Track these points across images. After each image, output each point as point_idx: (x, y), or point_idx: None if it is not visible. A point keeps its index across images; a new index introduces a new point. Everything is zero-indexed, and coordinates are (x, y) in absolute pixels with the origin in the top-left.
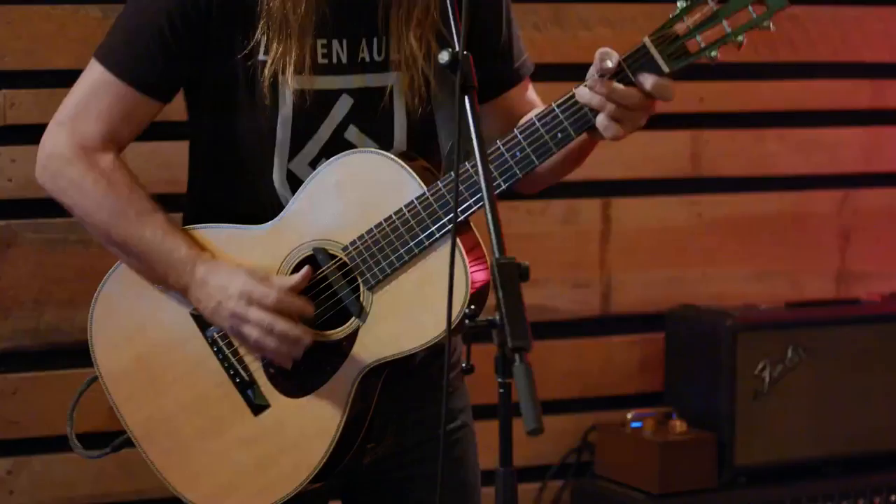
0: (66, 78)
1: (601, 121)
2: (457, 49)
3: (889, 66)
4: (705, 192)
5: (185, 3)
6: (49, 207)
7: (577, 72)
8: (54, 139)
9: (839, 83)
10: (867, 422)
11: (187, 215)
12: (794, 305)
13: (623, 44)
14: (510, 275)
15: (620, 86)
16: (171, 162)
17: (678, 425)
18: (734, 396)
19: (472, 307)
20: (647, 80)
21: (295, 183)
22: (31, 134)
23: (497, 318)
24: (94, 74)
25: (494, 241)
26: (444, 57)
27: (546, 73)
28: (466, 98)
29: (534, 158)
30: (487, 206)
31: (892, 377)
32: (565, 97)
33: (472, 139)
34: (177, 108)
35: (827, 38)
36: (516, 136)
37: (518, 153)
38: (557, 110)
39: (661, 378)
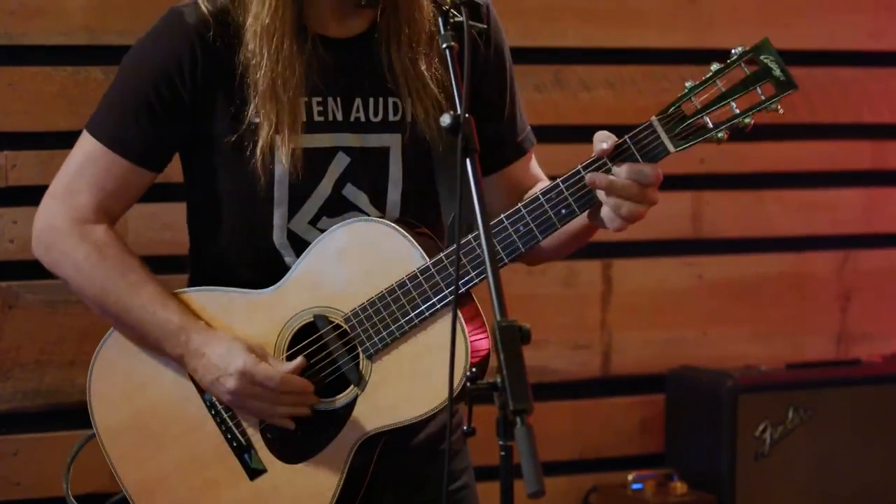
0: (68, 140)
1: (605, 213)
2: (458, 112)
3: (889, 127)
4: (706, 253)
5: (170, 73)
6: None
7: (576, 133)
8: (48, 212)
9: (839, 144)
10: (868, 482)
11: (191, 277)
12: (795, 367)
13: (623, 105)
14: (511, 338)
15: (620, 178)
16: (172, 224)
17: (679, 487)
18: (735, 458)
19: (474, 370)
20: (622, 170)
21: (295, 241)
22: (32, 195)
23: (498, 380)
24: (86, 146)
25: (496, 305)
26: (445, 120)
27: (546, 134)
28: (468, 161)
29: (537, 233)
30: (491, 278)
31: (894, 438)
32: (571, 173)
33: (473, 204)
34: (178, 171)
35: (827, 99)
36: (520, 211)
37: (521, 227)
38: (562, 186)
39: (662, 439)
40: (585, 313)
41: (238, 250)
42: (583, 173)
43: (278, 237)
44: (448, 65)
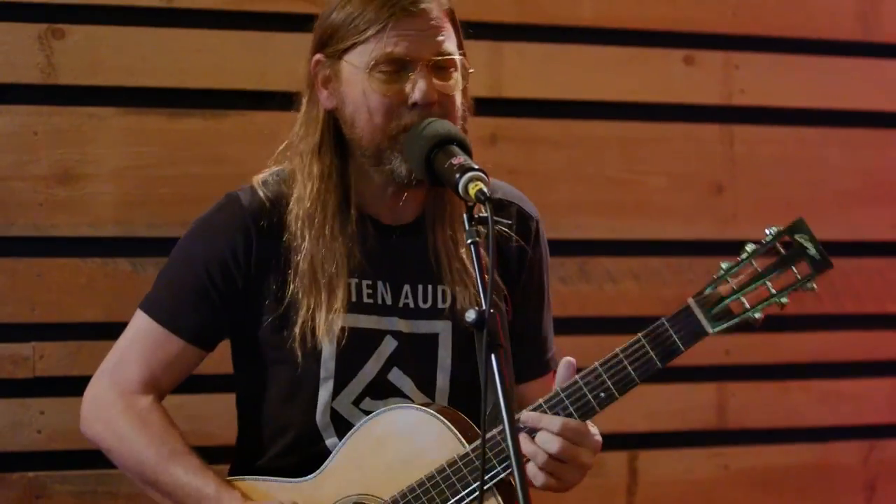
0: (96, 331)
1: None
2: (483, 307)
3: None
4: (731, 444)
5: (226, 260)
6: (78, 459)
7: (602, 325)
8: (96, 387)
9: (863, 334)
10: None
11: (233, 465)
12: None
13: (649, 297)
14: None
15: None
16: (198, 415)
17: None
18: None
19: None
20: (555, 423)
21: (338, 421)
22: (60, 386)
23: None
24: (138, 323)
25: (521, 499)
26: (471, 315)
27: (572, 326)
28: (493, 357)
29: (576, 418)
30: (516, 472)
31: None
32: (610, 357)
33: (498, 400)
34: (206, 363)
35: (851, 289)
36: (559, 395)
37: (560, 412)
38: (601, 369)
39: None
40: None
41: (281, 432)
42: (620, 356)
43: (321, 417)
44: (492, 256)
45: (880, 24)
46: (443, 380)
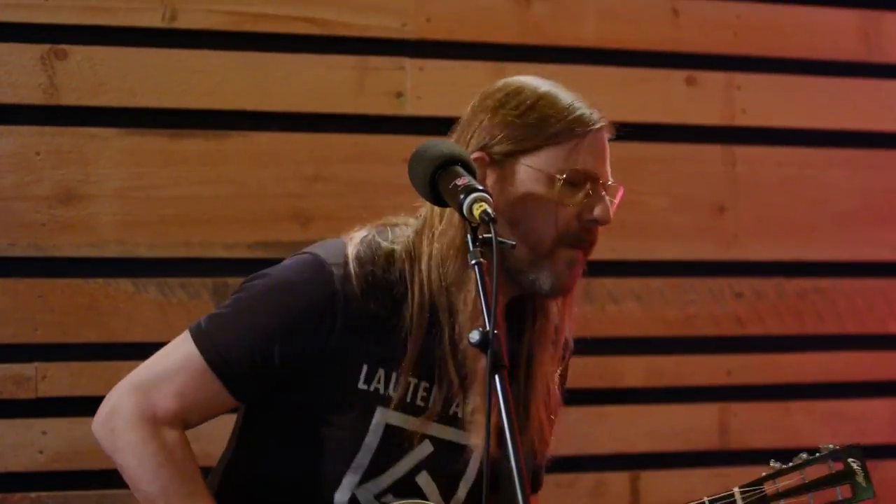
0: (98, 351)
1: None
2: (487, 328)
3: None
4: (733, 464)
5: (302, 329)
6: (80, 480)
7: (604, 346)
8: (124, 399)
9: (865, 355)
10: None
11: (219, 494)
12: None
13: (651, 318)
14: None
15: None
16: (200, 436)
17: None
18: None
19: None
20: None
21: None
22: (62, 407)
23: None
24: (187, 352)
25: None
26: (474, 336)
27: (574, 347)
28: (497, 379)
29: None
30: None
31: None
32: None
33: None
34: None
35: (853, 310)
36: None
37: None
38: None
39: None
40: None
41: (295, 491)
42: None
43: (341, 496)
44: (495, 277)
45: (882, 44)
46: (463, 490)
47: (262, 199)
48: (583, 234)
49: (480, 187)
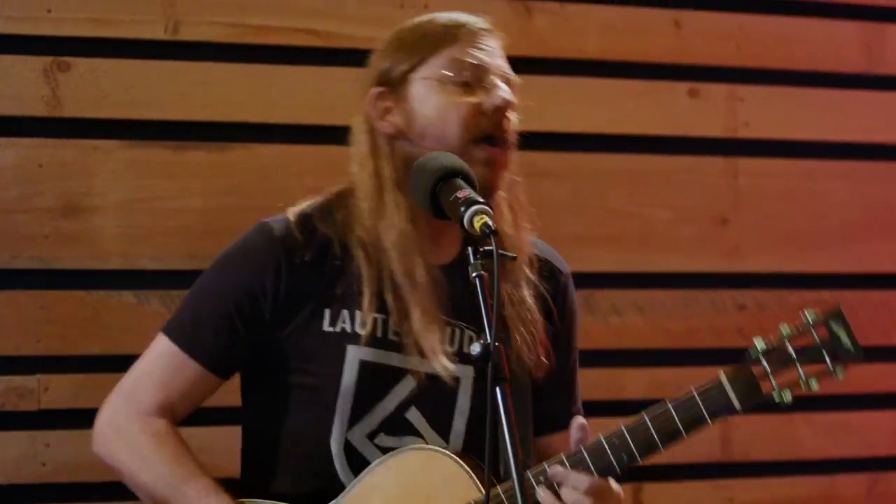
0: (101, 364)
1: None
2: (488, 340)
3: None
4: (736, 476)
5: (255, 291)
6: (83, 492)
7: (607, 357)
8: (112, 408)
9: (868, 367)
10: None
11: (241, 485)
12: None
13: (653, 329)
14: None
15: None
16: (206, 448)
17: None
18: None
19: None
20: (582, 482)
21: (351, 454)
22: (65, 419)
23: None
24: (159, 346)
25: None
26: (475, 348)
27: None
28: (499, 391)
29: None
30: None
31: None
32: (636, 420)
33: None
34: (214, 394)
35: (855, 322)
36: (581, 453)
37: (582, 469)
38: (625, 431)
39: None
40: None
41: (295, 458)
42: (647, 421)
43: (335, 446)
44: (496, 289)
45: (885, 56)
46: (460, 423)
47: (266, 211)
48: (490, 126)
49: (481, 200)
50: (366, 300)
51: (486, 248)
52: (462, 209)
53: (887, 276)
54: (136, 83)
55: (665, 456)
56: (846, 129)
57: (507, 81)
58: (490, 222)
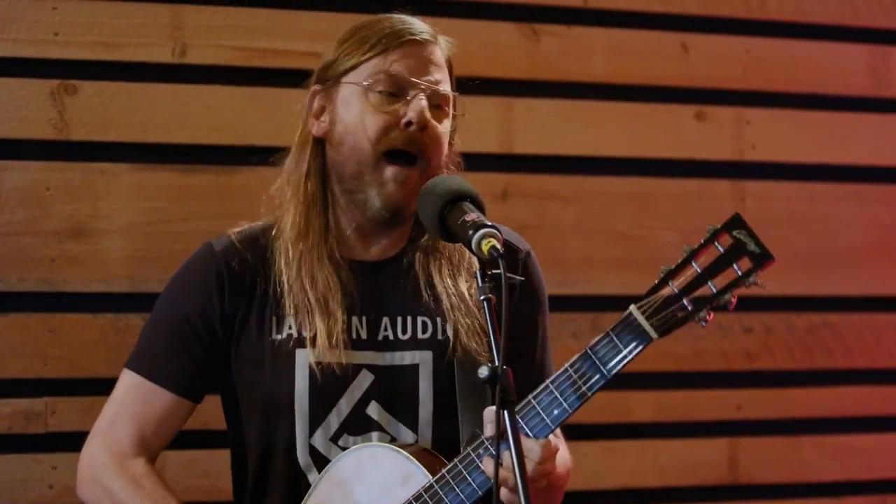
0: (108, 386)
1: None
2: (496, 364)
3: None
4: (743, 499)
5: (202, 305)
6: None
7: (614, 380)
8: (90, 451)
9: (875, 389)
10: None
11: None
12: None
13: (658, 352)
14: None
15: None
16: (209, 471)
17: None
18: None
19: None
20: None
21: (318, 459)
22: (72, 441)
23: None
24: (125, 381)
25: None
26: (483, 372)
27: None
28: (506, 412)
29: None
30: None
31: None
32: (560, 373)
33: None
34: (216, 417)
35: (862, 345)
36: (530, 402)
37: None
38: (552, 386)
39: None
40: None
41: (269, 474)
42: (569, 371)
43: (302, 456)
44: (504, 313)
45: (891, 79)
46: (425, 411)
47: None
48: (401, 141)
49: (489, 223)
50: (310, 305)
51: (494, 272)
52: (470, 232)
53: (894, 299)
54: (143, 106)
55: (672, 478)
56: (853, 152)
57: (438, 96)
58: (498, 245)
